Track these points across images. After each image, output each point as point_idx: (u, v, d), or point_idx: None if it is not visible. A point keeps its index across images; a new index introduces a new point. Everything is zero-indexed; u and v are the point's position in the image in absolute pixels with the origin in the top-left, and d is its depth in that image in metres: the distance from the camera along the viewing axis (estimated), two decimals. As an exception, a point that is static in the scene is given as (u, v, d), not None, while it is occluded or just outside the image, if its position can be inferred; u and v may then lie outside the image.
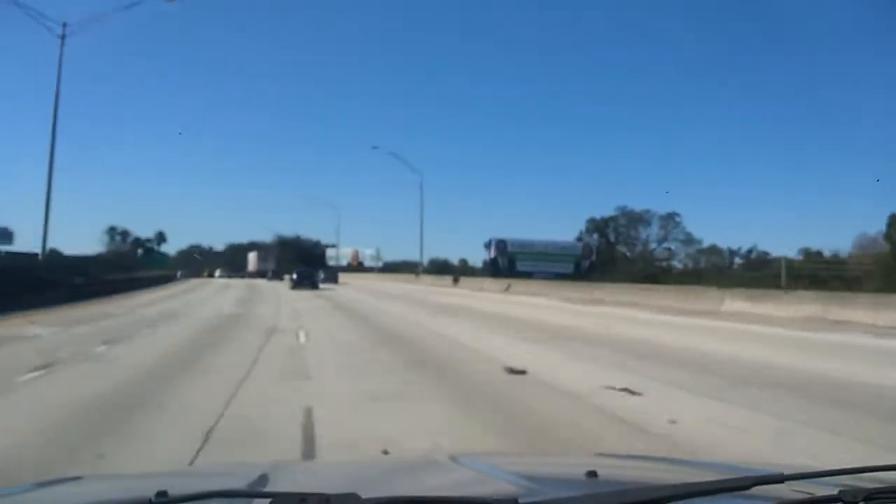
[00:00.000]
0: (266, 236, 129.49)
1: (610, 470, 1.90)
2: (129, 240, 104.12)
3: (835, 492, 1.33)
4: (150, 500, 1.20)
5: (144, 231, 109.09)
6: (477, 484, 1.78)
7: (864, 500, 1.28)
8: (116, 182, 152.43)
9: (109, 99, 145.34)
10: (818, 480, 1.47)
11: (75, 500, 1.71)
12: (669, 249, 77.09)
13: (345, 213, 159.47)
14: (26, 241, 43.15)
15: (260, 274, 76.85)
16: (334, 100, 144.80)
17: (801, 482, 1.44)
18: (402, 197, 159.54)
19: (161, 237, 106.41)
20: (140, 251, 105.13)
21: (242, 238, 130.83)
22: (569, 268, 58.54)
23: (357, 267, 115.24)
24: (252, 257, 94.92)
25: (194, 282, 63.04)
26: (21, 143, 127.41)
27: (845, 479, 1.46)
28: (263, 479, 1.68)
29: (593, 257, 61.03)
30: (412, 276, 57.42)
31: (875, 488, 1.35)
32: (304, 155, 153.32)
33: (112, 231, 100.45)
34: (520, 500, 1.23)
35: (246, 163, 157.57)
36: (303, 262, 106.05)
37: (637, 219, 77.05)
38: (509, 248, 58.29)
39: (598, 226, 77.44)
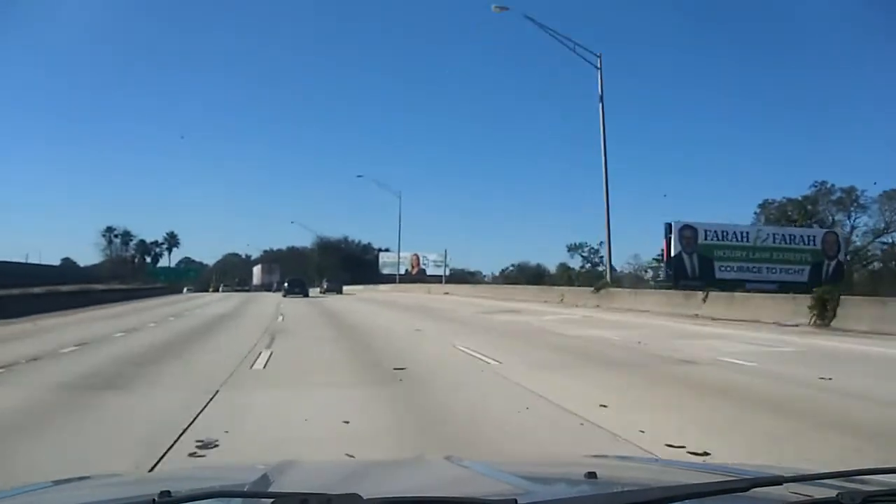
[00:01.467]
0: (308, 240, 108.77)
1: (608, 471, 1.91)
2: (133, 243, 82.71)
3: (833, 494, 1.31)
4: (154, 500, 1.20)
5: (151, 233, 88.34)
6: (476, 484, 1.78)
7: (862, 502, 1.27)
8: (138, 190, 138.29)
9: (125, 100, 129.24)
10: (816, 483, 1.45)
11: (82, 499, 1.72)
12: (892, 244, 51.28)
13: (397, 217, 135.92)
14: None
15: (265, 287, 69.80)
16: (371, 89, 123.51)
17: (800, 484, 1.41)
18: (462, 200, 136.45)
19: (172, 239, 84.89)
20: (148, 258, 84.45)
21: (281, 244, 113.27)
22: (802, 273, 33.96)
23: (417, 275, 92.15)
24: (256, 270, 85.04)
25: (172, 298, 43.66)
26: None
27: (843, 481, 1.44)
28: (265, 479, 1.68)
29: (840, 255, 36.08)
30: (577, 292, 29.36)
31: (873, 491, 1.34)
32: (349, 152, 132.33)
33: (109, 232, 78.92)
34: (520, 501, 1.22)
35: (285, 162, 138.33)
36: (349, 269, 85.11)
37: (845, 201, 51.63)
38: (701, 240, 33.84)
39: (780, 211, 52.23)
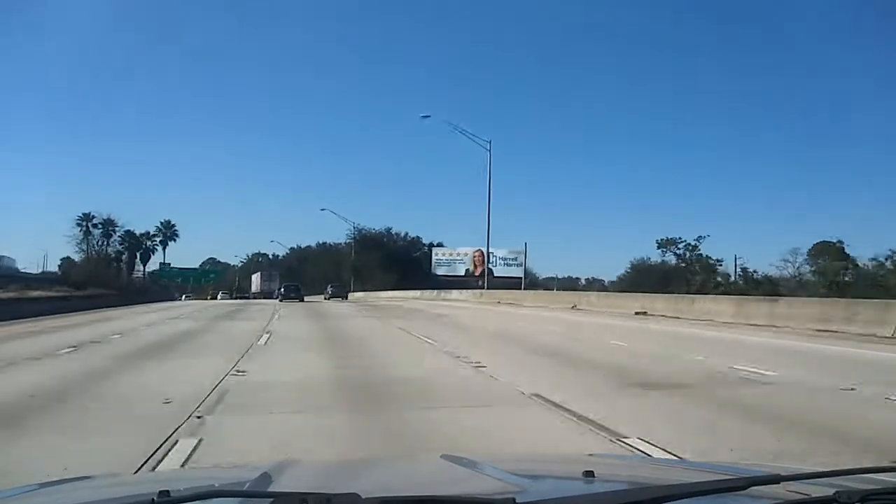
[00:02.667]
0: (342, 232, 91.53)
1: (606, 470, 1.91)
2: (118, 235, 63.85)
3: (830, 493, 1.31)
4: (153, 500, 1.21)
5: (141, 222, 70.10)
6: (474, 483, 1.76)
7: (859, 501, 1.27)
8: (151, 187, 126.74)
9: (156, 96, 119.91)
10: (814, 481, 1.45)
11: (80, 499, 1.72)
12: None
13: (451, 210, 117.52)
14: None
15: (265, 294, 64.85)
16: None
17: (797, 483, 1.41)
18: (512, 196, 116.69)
19: (168, 230, 66.06)
20: (138, 254, 65.69)
21: (311, 240, 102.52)
22: None
23: (480, 275, 72.24)
24: (255, 278, 78.35)
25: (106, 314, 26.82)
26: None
27: (841, 480, 1.43)
28: (265, 478, 1.64)
29: None
30: None
31: (870, 489, 1.33)
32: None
33: (86, 220, 60.03)
34: (517, 500, 1.22)
35: (314, 147, 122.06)
36: (393, 269, 66.65)
37: None
38: None
39: None
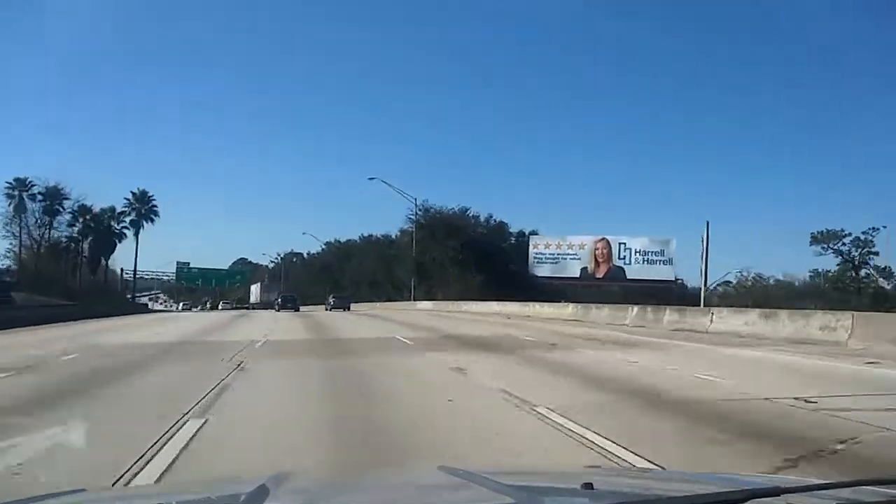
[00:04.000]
0: (397, 217, 74.10)
1: (605, 482, 1.90)
2: (69, 210, 42.24)
3: None
4: None
5: (103, 196, 49.83)
6: (472, 496, 1.74)
7: None
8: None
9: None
10: (815, 493, 1.46)
11: None
12: None
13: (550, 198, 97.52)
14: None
15: (264, 305, 58.35)
16: None
17: (798, 495, 1.42)
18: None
19: (144, 207, 44.51)
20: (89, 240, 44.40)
21: (352, 232, 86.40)
22: None
23: (604, 277, 49.33)
24: (255, 289, 74.18)
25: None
26: None
27: (842, 492, 1.44)
28: (261, 492, 1.63)
29: None
30: None
31: (872, 502, 1.36)
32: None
33: (17, 189, 38.44)
34: None
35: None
36: (471, 264, 46.80)
37: None
38: None
39: None
